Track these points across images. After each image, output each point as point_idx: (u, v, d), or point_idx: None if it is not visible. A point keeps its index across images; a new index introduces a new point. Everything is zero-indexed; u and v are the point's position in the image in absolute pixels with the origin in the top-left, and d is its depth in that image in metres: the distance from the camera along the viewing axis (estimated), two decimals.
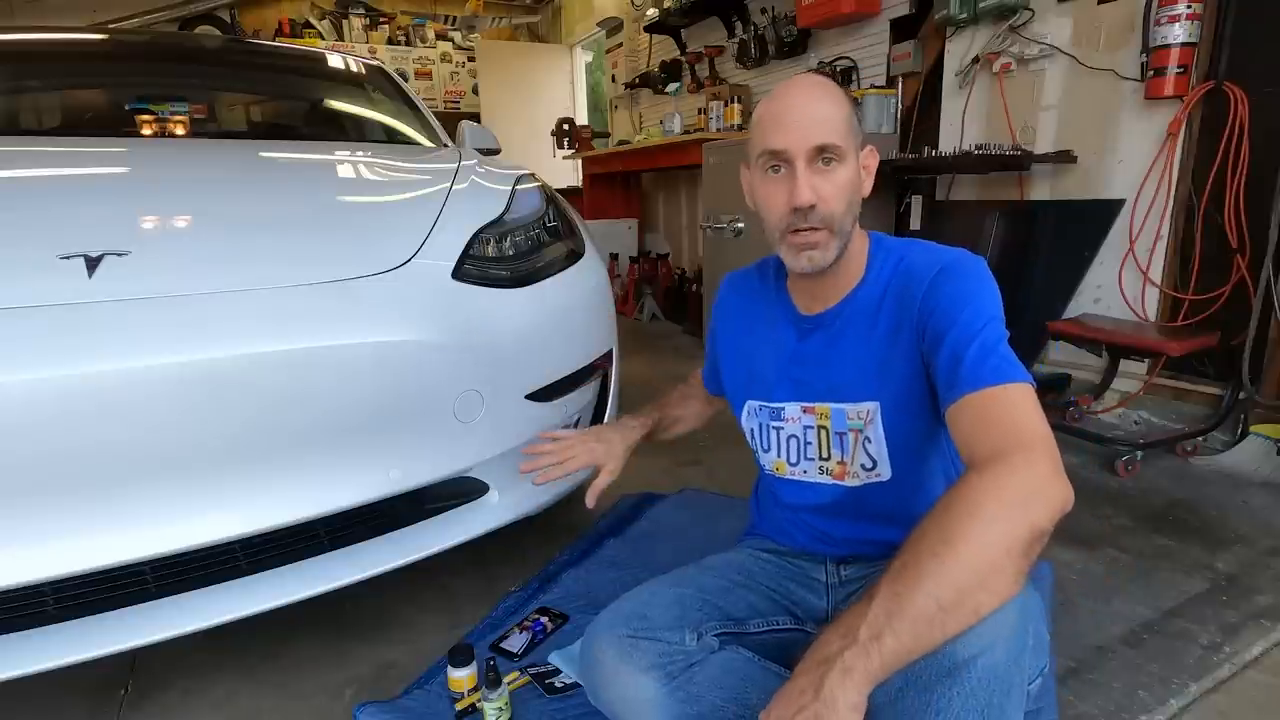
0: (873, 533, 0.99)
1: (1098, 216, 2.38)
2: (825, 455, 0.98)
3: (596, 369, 1.52)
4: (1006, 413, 0.73)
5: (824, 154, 0.85)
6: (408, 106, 2.29)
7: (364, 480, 1.16)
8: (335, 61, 2.46)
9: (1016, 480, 0.66)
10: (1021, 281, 2.33)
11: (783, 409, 1.00)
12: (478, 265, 1.32)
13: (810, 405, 0.97)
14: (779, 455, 1.02)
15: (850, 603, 0.97)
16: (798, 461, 1.00)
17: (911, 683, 0.65)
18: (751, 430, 1.06)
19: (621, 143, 5.37)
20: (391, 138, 2.17)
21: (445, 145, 2.07)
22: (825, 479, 0.99)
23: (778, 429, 1.01)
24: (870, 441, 0.93)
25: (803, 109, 0.86)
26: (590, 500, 1.10)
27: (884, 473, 0.94)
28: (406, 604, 1.46)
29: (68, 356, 0.95)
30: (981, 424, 0.73)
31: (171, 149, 1.74)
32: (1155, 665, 1.21)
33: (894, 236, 0.97)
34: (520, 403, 1.31)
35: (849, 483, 0.97)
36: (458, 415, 1.22)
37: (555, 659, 1.24)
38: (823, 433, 0.97)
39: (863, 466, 0.95)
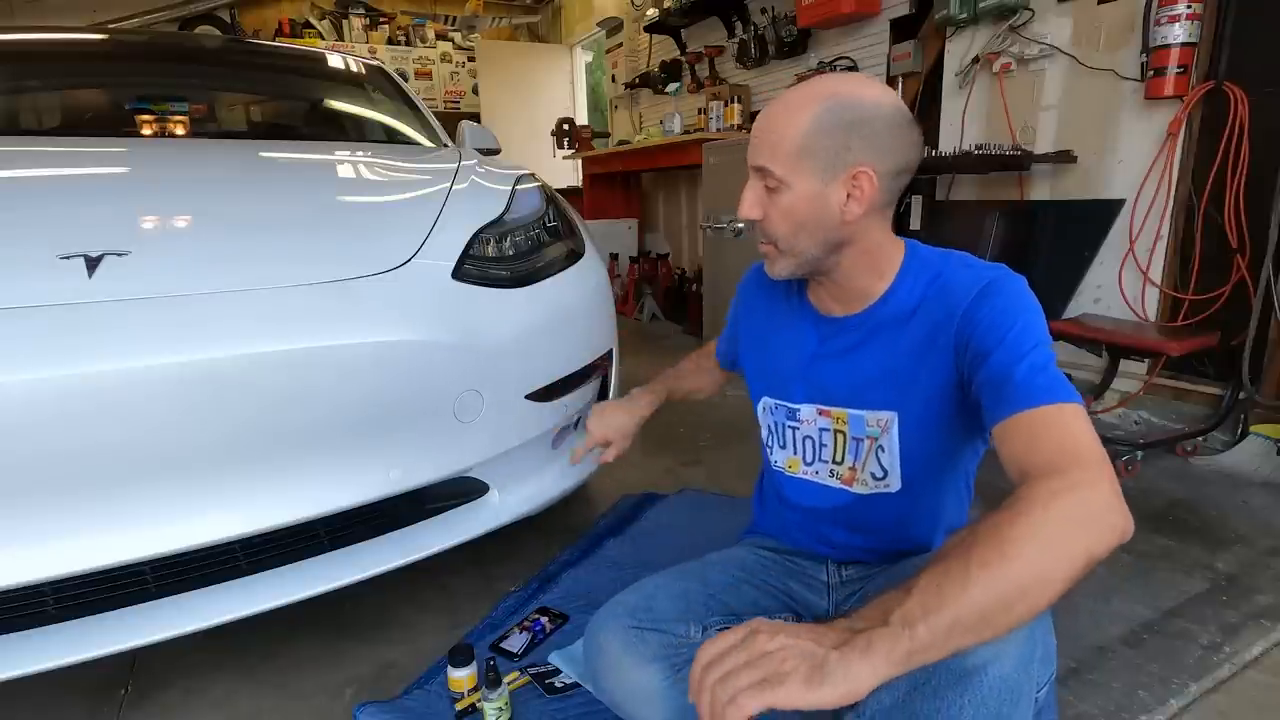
0: (872, 542, 0.98)
1: (1098, 216, 2.38)
2: (839, 459, 0.96)
3: (596, 369, 1.52)
4: (1063, 431, 0.70)
5: (764, 177, 0.86)
6: (408, 106, 2.28)
7: (364, 480, 1.16)
8: (335, 61, 2.46)
9: (1077, 499, 0.63)
10: None
11: (799, 410, 0.99)
12: (478, 265, 1.32)
13: (827, 409, 0.96)
14: (794, 453, 1.01)
15: (851, 603, 0.98)
16: (812, 462, 0.99)
17: (920, 687, 0.65)
18: (768, 426, 1.05)
19: (621, 143, 5.36)
20: (391, 138, 2.17)
21: (445, 145, 2.07)
22: (834, 482, 0.98)
23: (793, 429, 1.00)
24: (884, 451, 0.92)
25: (763, 121, 0.86)
26: (585, 460, 1.16)
27: (893, 484, 0.93)
28: (406, 604, 1.46)
29: (68, 356, 0.95)
30: (1036, 441, 0.70)
31: (171, 149, 1.74)
32: (1155, 665, 1.21)
33: (930, 246, 0.93)
34: (520, 403, 1.31)
35: (857, 489, 0.96)
36: (458, 415, 1.22)
37: (555, 659, 1.24)
38: (839, 436, 0.95)
39: (873, 475, 0.94)
